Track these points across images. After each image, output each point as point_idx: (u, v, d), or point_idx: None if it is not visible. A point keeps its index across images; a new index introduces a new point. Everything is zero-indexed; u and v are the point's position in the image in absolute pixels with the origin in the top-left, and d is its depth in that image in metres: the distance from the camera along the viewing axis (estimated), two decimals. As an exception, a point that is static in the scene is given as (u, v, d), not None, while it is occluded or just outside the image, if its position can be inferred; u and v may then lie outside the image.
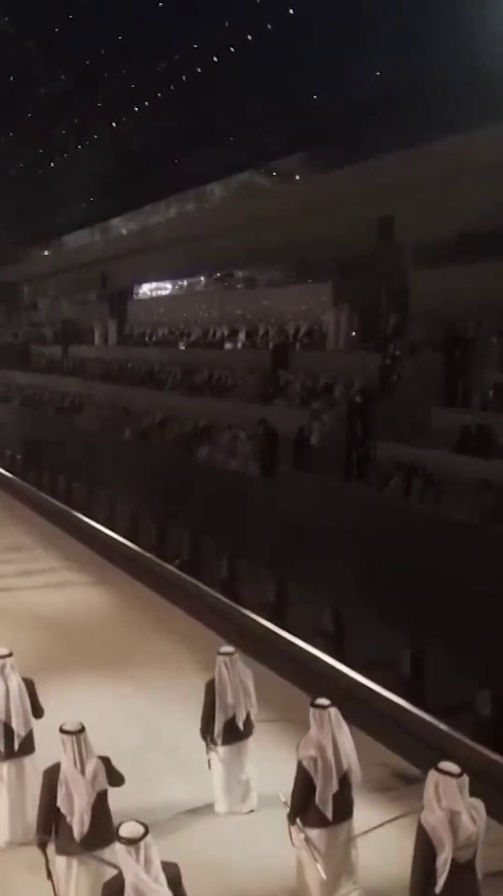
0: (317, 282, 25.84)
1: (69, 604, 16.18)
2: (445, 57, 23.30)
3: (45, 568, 18.26)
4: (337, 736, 7.89)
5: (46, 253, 49.46)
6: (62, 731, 7.61)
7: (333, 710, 7.93)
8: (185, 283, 33.95)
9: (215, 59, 32.59)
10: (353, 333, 23.77)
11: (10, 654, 9.20)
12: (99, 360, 34.33)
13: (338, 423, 17.99)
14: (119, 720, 11.14)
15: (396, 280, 22.54)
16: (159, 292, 37.40)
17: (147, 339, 33.66)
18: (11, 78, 40.03)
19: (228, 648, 9.65)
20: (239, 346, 27.45)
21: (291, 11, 28.79)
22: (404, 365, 18.52)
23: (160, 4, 30.56)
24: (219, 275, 32.05)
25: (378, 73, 26.38)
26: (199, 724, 9.53)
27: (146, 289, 37.52)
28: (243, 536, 16.81)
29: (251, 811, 9.58)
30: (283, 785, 8.08)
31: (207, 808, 9.55)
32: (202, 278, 33.05)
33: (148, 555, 17.61)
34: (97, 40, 34.71)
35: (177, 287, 34.70)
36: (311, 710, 7.96)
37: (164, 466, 22.17)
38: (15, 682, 9.13)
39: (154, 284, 36.48)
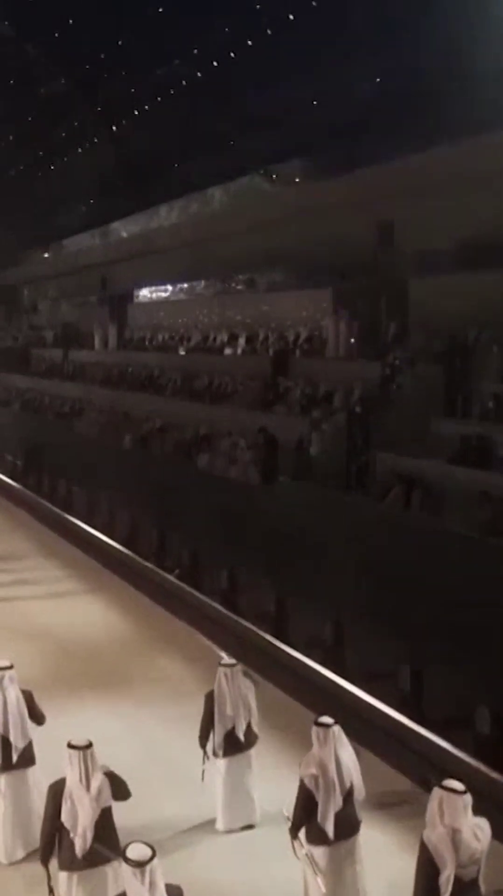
0: (318, 288, 25.83)
1: (68, 614, 16.16)
2: (447, 64, 23.35)
3: (43, 577, 18.22)
4: (339, 753, 7.90)
5: (46, 255, 49.52)
6: (70, 746, 7.62)
7: (336, 728, 7.95)
8: (186, 287, 33.97)
9: (215, 63, 32.65)
10: (353, 340, 23.87)
11: (11, 667, 9.19)
12: (99, 363, 34.35)
13: (337, 432, 18.01)
14: (118, 734, 11.12)
15: (396, 287, 22.56)
16: (159, 296, 37.40)
17: (147, 343, 33.67)
18: (12, 81, 40.10)
19: (229, 660, 9.65)
20: (239, 351, 27.47)
21: (291, 17, 28.83)
22: (404, 375, 18.52)
23: (160, 10, 30.58)
24: (219, 279, 32.07)
25: (378, 80, 26.45)
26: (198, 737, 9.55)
27: (146, 293, 37.54)
28: (243, 546, 16.83)
29: (252, 826, 9.59)
30: (285, 800, 8.08)
31: (208, 825, 9.53)
32: (202, 283, 33.08)
33: (147, 564, 17.59)
34: (97, 44, 34.74)
35: (177, 291, 34.74)
36: (314, 728, 7.97)
37: (164, 473, 22.21)
38: (13, 695, 9.13)
39: (154, 288, 36.50)
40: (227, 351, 27.98)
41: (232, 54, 31.68)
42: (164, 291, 36.63)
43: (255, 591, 15.26)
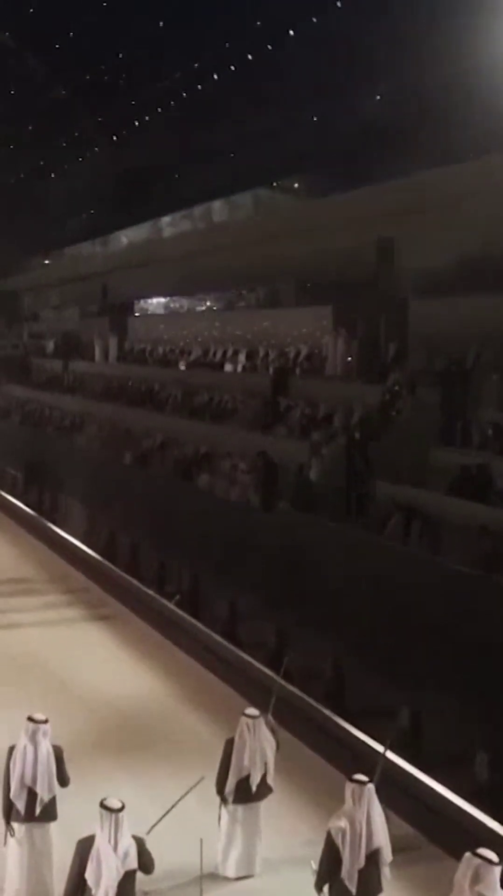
0: (318, 304, 25.85)
1: (69, 643, 16.22)
2: (451, 83, 23.39)
3: (42, 604, 18.26)
4: (371, 812, 8.04)
5: (47, 262, 49.56)
6: (102, 806, 7.78)
7: (370, 787, 8.07)
8: (186, 300, 34.02)
9: (215, 76, 32.75)
10: (351, 359, 23.92)
11: (46, 721, 9.27)
12: (99, 375, 34.36)
13: (337, 458, 18.02)
14: (124, 777, 11.23)
15: (396, 307, 22.60)
16: (160, 309, 37.44)
17: (147, 355, 33.70)
18: (12, 91, 40.28)
19: (253, 711, 9.75)
20: (239, 367, 27.50)
21: (291, 33, 28.93)
22: (403, 401, 18.53)
23: (160, 24, 30.70)
24: (219, 293, 32.11)
25: (378, 97, 26.54)
26: (211, 787, 9.62)
27: (147, 304, 37.57)
28: (243, 573, 16.87)
29: (250, 876, 9.67)
30: (288, 852, 8.13)
31: (211, 874, 9.57)
32: (202, 296, 33.12)
33: (148, 591, 17.61)
34: (98, 56, 34.91)
35: (177, 304, 34.79)
36: (348, 784, 8.13)
37: (165, 493, 22.23)
38: (45, 749, 9.23)
39: (155, 300, 36.55)
40: (228, 367, 28.01)
41: (232, 67, 31.80)
42: (164, 304, 36.64)
43: (255, 622, 15.27)
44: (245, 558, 17.53)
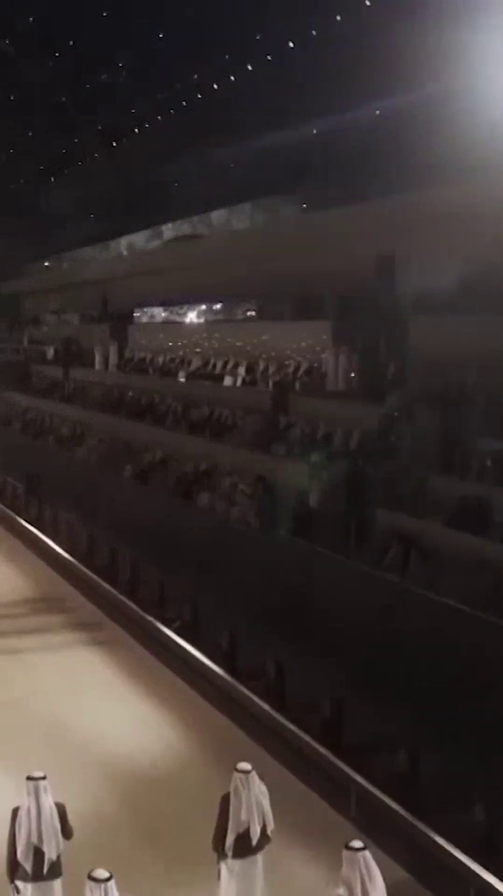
0: (318, 319, 25.85)
1: (68, 669, 16.25)
2: (452, 98, 23.30)
3: (41, 626, 18.30)
4: (366, 879, 8.12)
5: (47, 266, 49.55)
6: (90, 878, 7.94)
7: (366, 853, 8.14)
8: (186, 310, 34.04)
9: (215, 86, 32.72)
10: (353, 375, 23.94)
11: (44, 777, 9.30)
12: (99, 384, 34.42)
13: (337, 484, 18.04)
14: (126, 826, 11.30)
15: (395, 325, 22.59)
16: (160, 318, 37.43)
17: (147, 364, 33.72)
18: (12, 97, 40.25)
19: (245, 766, 9.76)
20: (238, 380, 27.51)
21: (291, 45, 28.88)
22: (402, 427, 18.52)
23: (160, 36, 30.67)
24: (220, 305, 32.13)
25: (378, 112, 26.49)
26: (209, 840, 9.68)
27: (147, 313, 37.58)
28: (242, 601, 16.89)
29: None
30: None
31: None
32: (202, 306, 33.13)
33: (148, 618, 17.60)
34: (98, 65, 34.90)
35: (177, 313, 34.79)
36: (344, 851, 8.23)
37: (165, 512, 22.28)
38: (47, 805, 9.25)
39: (155, 309, 36.57)
40: (227, 380, 28.01)
41: (231, 77, 31.76)
42: (164, 313, 36.64)
43: (254, 652, 15.25)
44: (245, 584, 17.57)
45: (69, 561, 22.00)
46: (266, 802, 9.71)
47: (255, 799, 9.67)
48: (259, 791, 9.72)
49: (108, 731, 13.89)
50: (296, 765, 12.70)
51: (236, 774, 9.69)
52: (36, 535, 24.53)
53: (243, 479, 21.61)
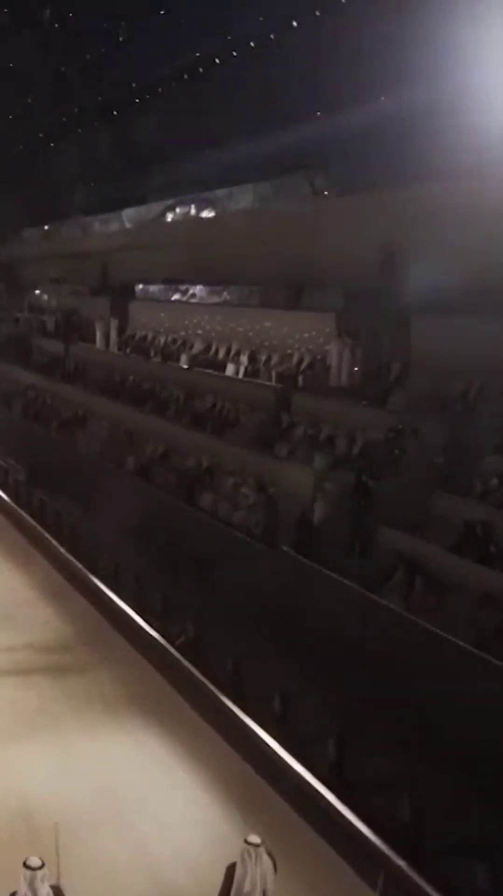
0: (322, 310, 25.53)
1: (70, 689, 16.13)
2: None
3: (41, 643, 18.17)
4: None
5: (47, 235, 48.94)
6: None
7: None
8: (188, 289, 33.64)
9: (217, 60, 32.10)
10: (356, 369, 23.71)
11: (43, 866, 9.16)
12: (101, 364, 34.18)
13: (340, 499, 17.94)
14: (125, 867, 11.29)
15: (399, 323, 22.30)
16: (161, 296, 36.99)
17: (148, 344, 33.43)
18: (11, 64, 39.60)
19: (255, 839, 9.71)
20: (241, 369, 27.27)
21: (294, 24, 28.28)
22: (407, 438, 18.37)
23: (161, 12, 30.02)
24: (221, 287, 31.74)
25: (383, 98, 25.88)
26: None
27: (148, 290, 37.13)
28: (245, 618, 16.84)
29: None
30: None
31: None
32: (205, 288, 32.73)
33: (152, 632, 17.44)
34: (98, 37, 34.24)
35: (179, 293, 34.39)
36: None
37: (167, 514, 22.21)
38: (44, 894, 9.22)
39: (156, 287, 36.15)
40: (230, 367, 27.77)
41: (234, 53, 31.14)
42: (165, 291, 36.17)
43: (258, 676, 15.16)
44: (244, 599, 17.55)
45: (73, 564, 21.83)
46: (270, 879, 9.71)
47: (261, 872, 9.68)
48: (266, 865, 9.72)
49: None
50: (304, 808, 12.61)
51: (244, 846, 9.68)
52: (39, 532, 24.33)
53: (246, 481, 21.52)
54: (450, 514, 16.18)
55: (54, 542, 23.15)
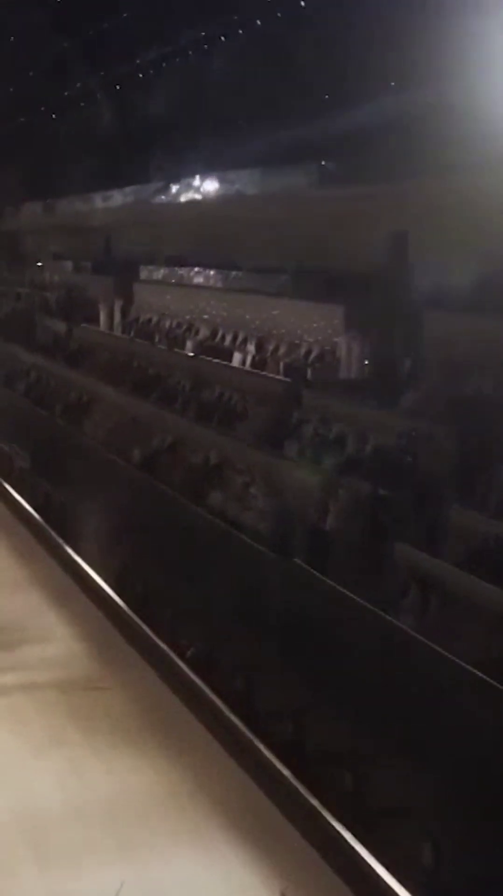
0: (331, 301, 25.03)
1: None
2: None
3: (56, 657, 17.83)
4: None
5: (48, 209, 48.24)
6: None
7: None
8: (193, 272, 33.06)
9: (223, 38, 31.35)
10: (367, 363, 23.33)
11: None
12: (105, 347, 33.82)
13: (353, 509, 17.64)
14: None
15: (411, 318, 21.89)
16: (166, 278, 36.38)
17: (153, 327, 33.03)
18: (12, 38, 38.81)
19: None
20: (248, 358, 26.87)
21: (302, 3, 27.57)
22: (419, 445, 18.00)
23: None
24: (227, 271, 31.15)
25: (393, 84, 25.18)
26: None
27: (152, 270, 36.53)
28: (257, 636, 16.64)
29: None
30: None
31: None
32: (211, 272, 32.15)
33: (161, 645, 17.17)
34: (100, 12, 33.44)
35: (184, 275, 33.79)
36: None
37: (173, 513, 21.97)
38: None
39: (160, 269, 35.58)
40: (237, 356, 27.37)
41: (240, 31, 30.38)
42: (170, 273, 35.54)
43: (271, 695, 14.97)
44: (252, 608, 17.33)
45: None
46: None
47: None
48: None
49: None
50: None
51: None
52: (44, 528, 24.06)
53: (254, 481, 21.25)
54: (466, 527, 15.84)
55: (60, 540, 22.90)
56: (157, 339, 31.74)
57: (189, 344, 29.84)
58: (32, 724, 15.10)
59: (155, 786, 13.25)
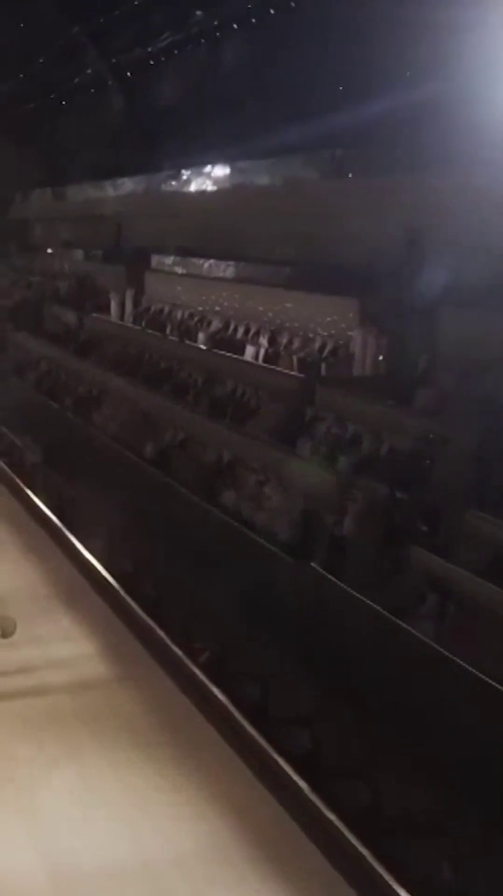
0: (345, 294, 24.68)
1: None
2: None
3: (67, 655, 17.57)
4: None
5: (59, 196, 47.93)
6: None
7: None
8: (205, 263, 32.71)
9: (235, 26, 31.01)
10: (381, 358, 23.01)
11: None
12: (117, 338, 33.56)
13: (370, 513, 17.37)
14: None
15: (425, 314, 21.55)
16: (178, 268, 36.05)
17: (165, 318, 32.75)
18: (22, 24, 38.49)
19: None
20: (261, 351, 26.58)
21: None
22: (436, 448, 17.72)
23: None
24: (240, 262, 30.80)
25: (408, 73, 24.77)
26: None
27: (164, 260, 36.18)
28: (276, 642, 16.40)
29: None
30: None
31: None
32: (222, 263, 31.79)
33: (174, 648, 16.92)
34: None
35: (196, 266, 33.44)
36: None
37: (185, 512, 21.72)
38: None
39: (172, 258, 35.23)
40: (249, 349, 27.07)
41: (253, 20, 30.01)
42: (182, 263, 35.20)
43: (287, 715, 14.76)
44: (267, 614, 17.10)
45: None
46: None
47: None
48: None
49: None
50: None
51: None
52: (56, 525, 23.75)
53: (269, 480, 20.98)
54: (484, 534, 15.58)
55: (72, 538, 22.60)
56: (168, 330, 31.49)
57: (201, 336, 29.56)
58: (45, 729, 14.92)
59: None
